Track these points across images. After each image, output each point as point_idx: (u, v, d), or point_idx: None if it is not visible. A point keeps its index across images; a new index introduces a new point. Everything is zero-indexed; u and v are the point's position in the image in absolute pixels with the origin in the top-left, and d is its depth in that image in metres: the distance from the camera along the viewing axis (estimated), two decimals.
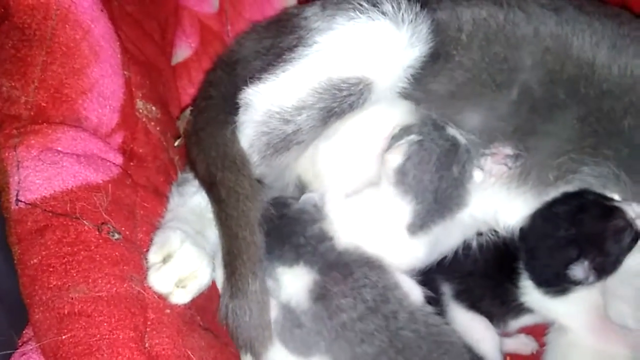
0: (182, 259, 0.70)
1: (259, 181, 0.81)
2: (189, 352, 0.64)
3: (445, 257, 0.88)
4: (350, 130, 0.86)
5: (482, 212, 0.86)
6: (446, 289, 0.87)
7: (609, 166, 0.78)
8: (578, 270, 0.76)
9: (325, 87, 0.76)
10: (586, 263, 0.76)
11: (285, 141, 0.79)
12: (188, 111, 0.90)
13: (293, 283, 0.75)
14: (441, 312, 0.85)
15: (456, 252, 0.87)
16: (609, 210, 0.77)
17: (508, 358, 0.89)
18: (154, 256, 0.70)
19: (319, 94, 0.76)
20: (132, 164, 0.81)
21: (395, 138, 0.83)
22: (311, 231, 0.76)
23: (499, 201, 0.85)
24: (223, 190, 0.76)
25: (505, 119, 0.82)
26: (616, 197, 0.79)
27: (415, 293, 0.75)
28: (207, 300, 0.77)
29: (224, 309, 0.73)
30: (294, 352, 0.75)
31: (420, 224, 0.78)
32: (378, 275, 0.74)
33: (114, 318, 0.61)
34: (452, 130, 0.81)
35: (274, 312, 0.75)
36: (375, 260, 0.75)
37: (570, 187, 0.80)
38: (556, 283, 0.79)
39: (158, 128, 0.87)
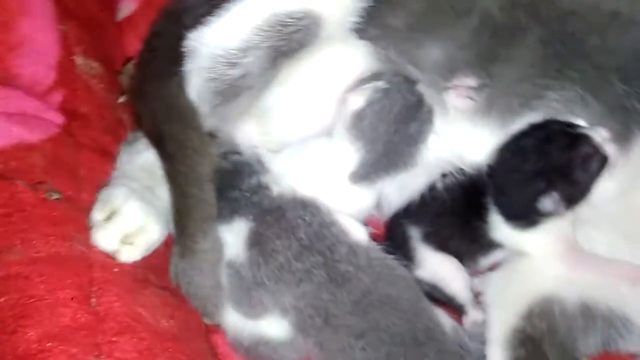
0: (127, 215, 0.67)
1: (212, 135, 0.77)
2: (141, 310, 0.61)
3: (412, 201, 0.85)
4: (307, 75, 0.82)
5: (448, 151, 0.83)
6: (414, 232, 0.84)
7: (575, 89, 0.75)
8: (547, 202, 0.74)
9: (270, 24, 0.71)
10: (555, 194, 0.73)
11: (234, 87, 0.75)
12: (130, 65, 0.86)
13: (232, 238, 0.72)
14: (409, 256, 0.84)
15: (423, 195, 0.84)
16: (575, 139, 0.74)
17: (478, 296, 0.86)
18: (97, 214, 0.67)
19: (264, 31, 0.72)
20: (75, 123, 0.77)
21: (363, 81, 0.79)
22: (247, 184, 0.73)
23: (464, 137, 0.81)
24: (170, 145, 0.72)
25: (466, 48, 0.78)
26: (582, 122, 0.75)
27: (356, 231, 0.73)
28: (163, 260, 0.74)
29: (174, 268, 0.70)
30: (244, 314, 0.73)
31: (363, 174, 0.76)
32: (312, 214, 0.72)
33: (53, 278, 0.58)
34: (421, 88, 0.78)
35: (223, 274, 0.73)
36: (310, 201, 0.73)
37: (536, 114, 0.77)
38: (526, 216, 0.76)
39: (102, 85, 0.83)
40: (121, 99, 0.85)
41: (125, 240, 0.66)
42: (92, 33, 0.87)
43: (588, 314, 0.74)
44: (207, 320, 0.77)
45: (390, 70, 0.79)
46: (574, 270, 0.75)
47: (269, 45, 0.72)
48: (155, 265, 0.72)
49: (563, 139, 0.74)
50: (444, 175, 0.85)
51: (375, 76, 0.79)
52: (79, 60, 0.81)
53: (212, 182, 0.72)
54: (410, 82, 0.78)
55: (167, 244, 0.75)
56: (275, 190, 0.73)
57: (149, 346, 0.59)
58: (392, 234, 0.86)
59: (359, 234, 0.73)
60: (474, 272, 0.87)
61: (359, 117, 0.75)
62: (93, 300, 0.60)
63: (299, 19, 0.72)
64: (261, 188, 0.73)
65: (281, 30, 0.72)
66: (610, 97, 0.74)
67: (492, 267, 0.87)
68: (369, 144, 0.75)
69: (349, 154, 0.75)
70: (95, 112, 0.80)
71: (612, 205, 0.77)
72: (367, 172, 0.76)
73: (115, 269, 0.64)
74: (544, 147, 0.74)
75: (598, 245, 0.78)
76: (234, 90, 0.75)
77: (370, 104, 0.75)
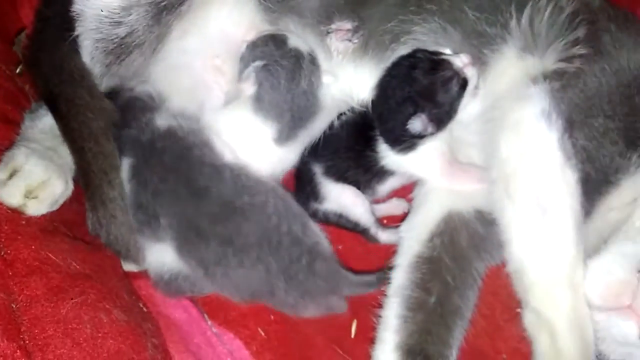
0: (28, 172, 0.71)
1: (110, 95, 0.81)
2: (50, 254, 0.67)
3: (315, 141, 0.92)
4: (200, 28, 0.87)
5: (339, 92, 0.91)
6: (317, 169, 0.91)
7: (436, 21, 0.82)
8: (417, 123, 0.81)
9: None
10: (423, 116, 0.81)
11: (123, 46, 0.79)
12: (23, 35, 0.88)
13: (123, 175, 0.78)
14: (316, 191, 0.91)
15: (324, 134, 0.91)
16: (437, 64, 0.81)
17: (385, 221, 0.95)
18: (0, 173, 0.70)
19: None
20: None
21: (243, 60, 0.86)
22: (139, 122, 0.78)
23: (350, 77, 0.89)
24: (62, 105, 0.76)
25: None
26: (447, 50, 0.83)
27: (225, 151, 0.81)
28: (77, 214, 0.79)
29: (89, 222, 0.75)
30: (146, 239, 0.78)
31: (285, 137, 0.85)
32: (176, 141, 0.79)
33: None
34: (293, 41, 0.85)
35: None
36: (178, 129, 0.80)
37: (406, 48, 0.84)
38: (403, 140, 0.83)
39: None
40: (18, 70, 0.88)
41: (29, 195, 0.70)
42: None
43: (483, 219, 0.83)
44: (126, 267, 0.83)
45: (259, 37, 0.86)
46: (454, 181, 0.84)
47: (150, 1, 0.77)
48: (67, 220, 0.77)
49: (426, 64, 0.81)
50: (339, 115, 0.93)
51: (252, 48, 0.85)
52: None
53: (109, 135, 0.77)
54: (280, 43, 0.84)
55: (80, 201, 0.80)
56: (159, 126, 0.79)
57: (59, 284, 0.64)
58: (300, 172, 0.93)
59: (228, 155, 0.80)
60: (377, 200, 0.96)
61: (257, 100, 0.83)
62: (2, 250, 0.65)
63: None
64: (148, 126, 0.79)
65: None
66: (466, 24, 0.82)
67: (392, 194, 0.97)
68: (277, 116, 0.83)
69: (264, 129, 0.84)
70: None
71: (478, 122, 0.85)
72: (287, 134, 0.84)
73: (23, 222, 0.69)
74: (411, 74, 0.82)
75: (475, 159, 0.87)
76: (124, 48, 0.79)
77: (260, 85, 0.83)
